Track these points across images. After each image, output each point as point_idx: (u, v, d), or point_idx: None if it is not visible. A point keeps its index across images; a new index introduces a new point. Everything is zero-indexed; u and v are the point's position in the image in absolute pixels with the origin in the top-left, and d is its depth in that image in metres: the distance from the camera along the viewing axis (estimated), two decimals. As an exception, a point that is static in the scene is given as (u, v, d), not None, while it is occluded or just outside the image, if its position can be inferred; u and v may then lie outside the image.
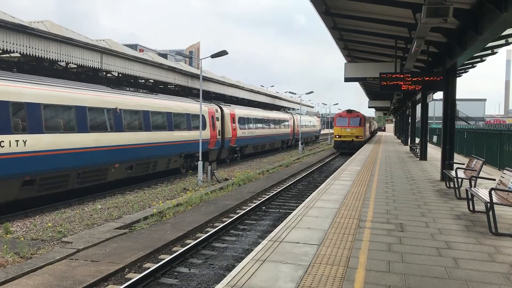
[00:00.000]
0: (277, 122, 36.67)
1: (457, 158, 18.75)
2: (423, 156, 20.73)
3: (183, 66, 25.53)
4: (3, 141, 10.74)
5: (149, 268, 7.42)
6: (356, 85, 33.74)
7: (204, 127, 21.39)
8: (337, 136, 35.62)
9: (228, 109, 25.88)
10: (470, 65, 16.93)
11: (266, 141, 33.63)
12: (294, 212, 8.28)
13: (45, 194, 12.57)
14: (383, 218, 7.79)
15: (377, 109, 55.23)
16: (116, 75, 20.36)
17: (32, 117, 11.72)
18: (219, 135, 23.96)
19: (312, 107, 77.39)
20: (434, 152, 25.99)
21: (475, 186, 8.92)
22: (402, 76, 11.80)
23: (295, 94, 44.82)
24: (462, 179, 10.05)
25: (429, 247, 6.01)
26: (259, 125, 31.50)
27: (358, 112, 36.34)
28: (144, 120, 16.91)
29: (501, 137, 15.93)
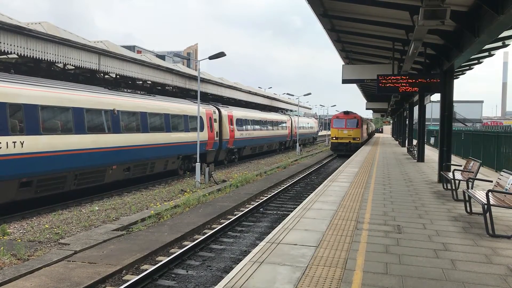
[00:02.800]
0: (275, 123, 36.65)
1: (454, 159, 18.81)
2: (421, 157, 20.77)
3: (181, 67, 25.53)
4: (0, 142, 10.72)
5: (146, 269, 7.42)
6: (354, 86, 33.77)
7: (202, 129, 21.38)
8: (334, 138, 35.37)
9: (226, 111, 25.87)
10: (467, 67, 16.96)
11: (264, 143, 33.61)
12: (291, 214, 8.28)
13: (42, 196, 12.54)
14: (381, 220, 7.80)
15: (375, 110, 55.34)
16: (114, 76, 20.34)
17: (29, 119, 11.69)
18: (216, 137, 23.95)
19: (310, 108, 77.45)
20: (431, 153, 26.05)
21: (472, 188, 8.95)
22: (399, 78, 11.83)
23: (293, 95, 44.95)
24: (460, 180, 10.08)
25: (426, 249, 6.02)
26: (257, 126, 31.47)
27: (356, 113, 36.22)
28: (142, 122, 16.89)
29: (498, 139, 15.97)
